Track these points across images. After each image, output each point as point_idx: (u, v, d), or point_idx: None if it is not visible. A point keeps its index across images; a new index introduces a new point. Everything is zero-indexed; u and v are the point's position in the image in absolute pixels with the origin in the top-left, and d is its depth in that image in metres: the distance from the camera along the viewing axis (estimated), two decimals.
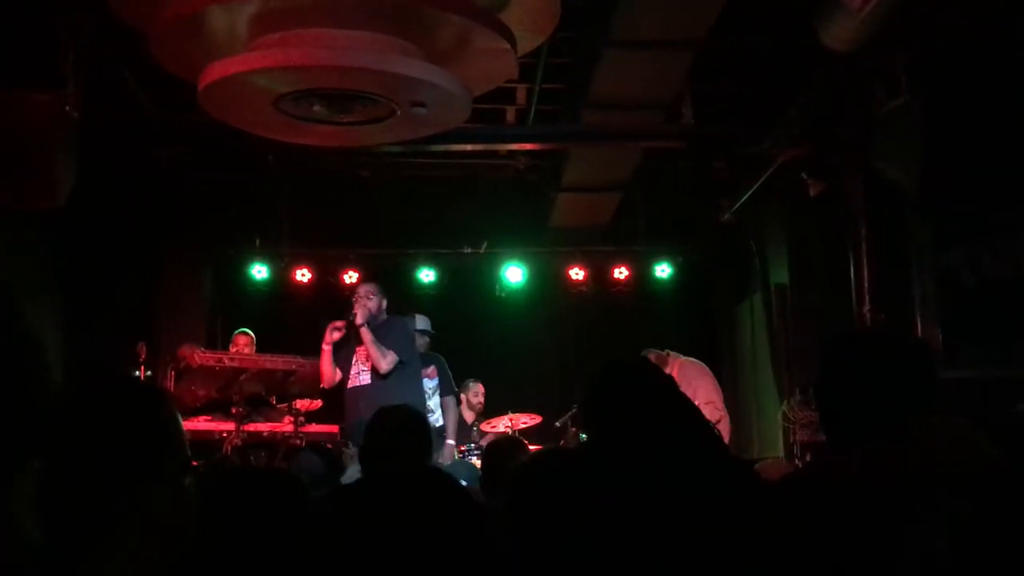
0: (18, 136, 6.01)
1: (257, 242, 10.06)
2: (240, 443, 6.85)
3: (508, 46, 5.62)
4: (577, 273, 10.47)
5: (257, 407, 7.54)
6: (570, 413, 8.39)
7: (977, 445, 2.08)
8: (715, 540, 2.22)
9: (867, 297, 7.53)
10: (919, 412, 2.22)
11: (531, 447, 6.98)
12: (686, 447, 2.50)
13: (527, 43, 6.10)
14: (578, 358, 9.33)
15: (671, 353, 7.89)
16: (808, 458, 7.55)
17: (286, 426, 7.27)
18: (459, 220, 10.26)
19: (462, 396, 8.15)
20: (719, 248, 10.53)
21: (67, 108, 6.14)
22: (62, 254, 8.48)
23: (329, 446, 7.02)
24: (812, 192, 8.07)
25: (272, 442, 7.21)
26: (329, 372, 6.63)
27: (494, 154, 9.75)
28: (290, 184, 9.71)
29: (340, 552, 1.99)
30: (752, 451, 9.49)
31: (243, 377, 7.15)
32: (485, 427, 8.41)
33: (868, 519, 1.91)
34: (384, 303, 6.81)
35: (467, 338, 7.74)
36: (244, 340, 8.12)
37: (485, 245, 10.27)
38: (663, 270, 10.57)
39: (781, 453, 8.46)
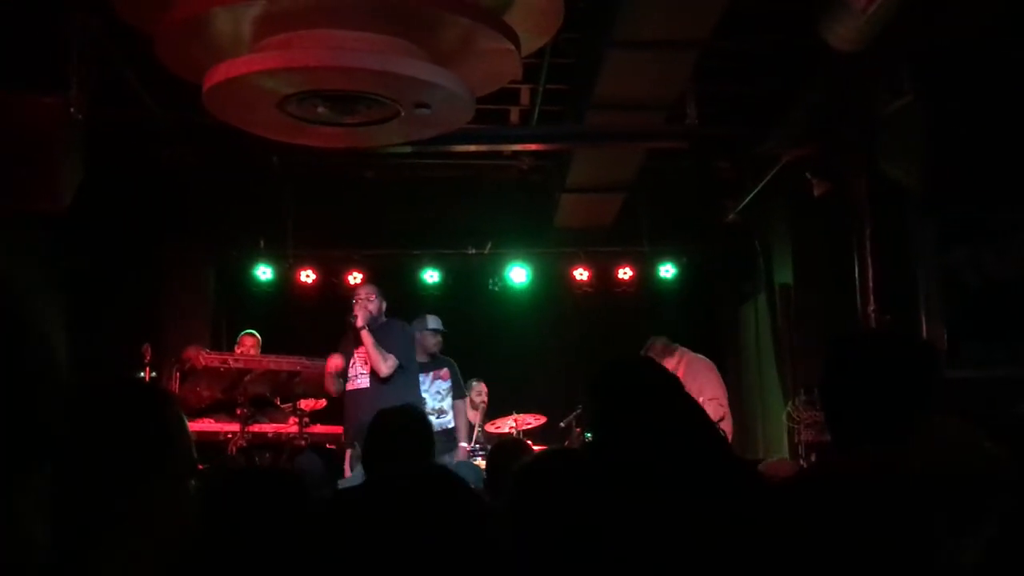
0: (22, 138, 6.01)
1: (261, 243, 10.07)
2: (245, 444, 6.87)
3: (512, 47, 5.62)
4: (581, 273, 10.47)
5: (262, 408, 7.55)
6: (575, 414, 8.40)
7: (981, 446, 2.08)
8: (719, 541, 2.22)
9: (871, 297, 7.52)
10: (924, 412, 2.22)
11: (536, 448, 7.00)
12: (690, 447, 2.50)
13: (531, 44, 6.10)
14: (582, 359, 9.33)
15: (680, 348, 7.89)
16: (813, 458, 7.54)
17: (291, 427, 7.28)
18: (463, 221, 10.27)
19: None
20: (723, 248, 10.53)
21: (71, 110, 6.16)
22: (66, 255, 8.48)
23: (332, 447, 7.04)
24: (816, 192, 8.06)
25: (277, 443, 7.22)
26: (333, 387, 6.65)
27: (498, 155, 9.76)
28: (294, 185, 9.72)
29: (345, 552, 1.99)
30: (757, 451, 9.48)
31: (248, 378, 7.16)
32: (489, 428, 8.42)
33: (873, 520, 1.91)
34: (384, 305, 6.80)
35: (471, 339, 7.74)
36: (250, 341, 8.14)
37: (489, 246, 10.28)
38: (667, 270, 10.57)
39: (786, 453, 8.46)
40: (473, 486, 3.42)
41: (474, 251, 10.32)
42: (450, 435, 7.20)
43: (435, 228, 10.26)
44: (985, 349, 6.31)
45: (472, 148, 8.89)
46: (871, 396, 2.28)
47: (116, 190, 8.45)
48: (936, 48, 6.34)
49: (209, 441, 6.80)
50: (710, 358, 8.07)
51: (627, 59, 6.85)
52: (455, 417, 7.35)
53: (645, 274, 10.58)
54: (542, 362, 10.41)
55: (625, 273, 10.53)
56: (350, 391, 6.68)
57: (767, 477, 3.09)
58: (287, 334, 8.85)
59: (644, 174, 9.20)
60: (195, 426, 6.85)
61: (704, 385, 7.34)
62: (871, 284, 7.55)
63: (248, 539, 2.03)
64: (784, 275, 9.35)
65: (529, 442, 7.95)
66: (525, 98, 8.54)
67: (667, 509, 2.30)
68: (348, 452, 6.54)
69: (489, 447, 7.14)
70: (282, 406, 7.79)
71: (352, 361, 6.69)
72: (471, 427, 8.04)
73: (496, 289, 10.29)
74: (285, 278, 10.15)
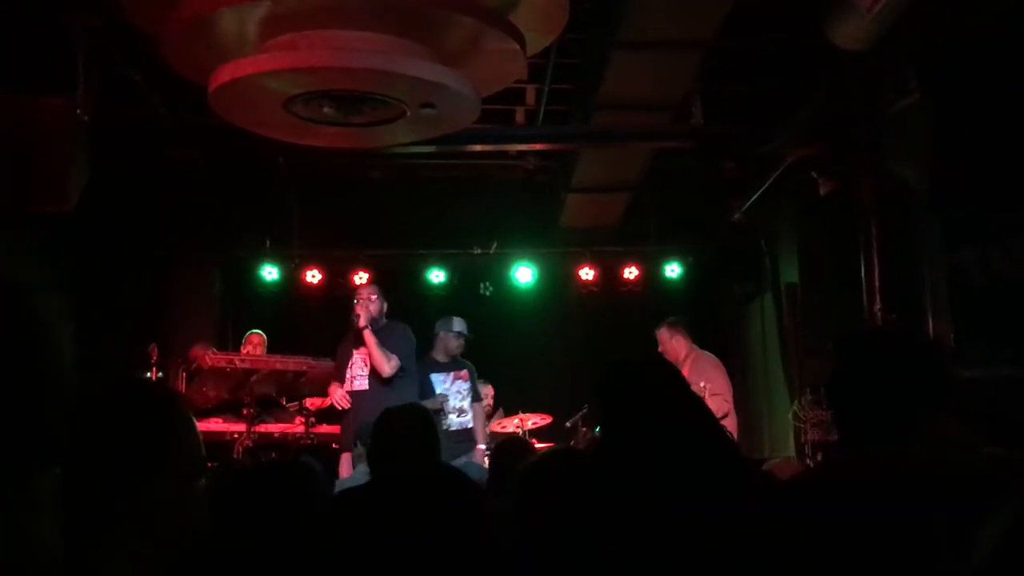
0: (29, 139, 6.03)
1: (267, 243, 10.08)
2: (251, 444, 6.88)
3: (517, 47, 5.62)
4: (587, 273, 10.47)
5: (268, 408, 7.56)
6: (580, 413, 8.40)
7: (984, 446, 2.08)
8: (724, 540, 2.22)
9: (877, 296, 7.51)
10: (930, 412, 2.22)
11: (542, 446, 7.01)
12: (695, 447, 2.50)
13: (536, 44, 6.10)
14: (588, 358, 9.33)
15: (691, 344, 7.88)
16: (819, 457, 7.54)
17: (297, 427, 7.29)
18: (469, 221, 10.27)
19: None
20: (729, 248, 10.51)
21: (78, 111, 6.17)
22: (72, 255, 8.49)
23: (337, 446, 7.04)
24: (822, 191, 8.05)
25: (283, 443, 7.23)
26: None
27: (504, 155, 9.76)
28: (300, 185, 9.73)
29: (355, 551, 1.99)
30: (763, 450, 9.47)
31: (254, 378, 7.17)
32: (495, 427, 8.42)
33: (877, 519, 1.91)
34: (385, 307, 6.79)
35: (476, 338, 7.74)
36: (257, 339, 8.15)
37: (495, 246, 10.28)
38: (673, 270, 10.57)
39: (792, 452, 8.45)
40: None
41: (479, 251, 10.32)
42: (469, 435, 7.23)
43: (440, 228, 10.26)
44: (991, 348, 6.30)
45: (478, 148, 8.89)
46: (877, 395, 2.28)
47: (122, 190, 8.46)
48: (942, 47, 6.33)
49: (215, 441, 6.80)
50: (716, 357, 8.06)
51: (632, 59, 6.85)
52: (473, 419, 7.36)
53: (651, 274, 10.58)
54: (547, 361, 10.42)
55: (631, 273, 10.53)
56: (349, 392, 6.66)
57: (772, 477, 3.09)
58: (293, 334, 8.86)
59: (649, 174, 9.19)
60: (201, 426, 6.78)
61: (709, 380, 7.34)
62: (877, 283, 7.54)
63: (259, 536, 2.03)
64: (790, 274, 9.34)
65: (535, 441, 7.97)
66: (531, 98, 8.54)
67: (672, 509, 2.30)
68: (344, 455, 6.53)
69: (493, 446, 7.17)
70: (288, 406, 7.80)
71: (351, 362, 6.68)
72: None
73: (487, 294, 10.24)
74: (291, 278, 10.16)
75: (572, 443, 8.11)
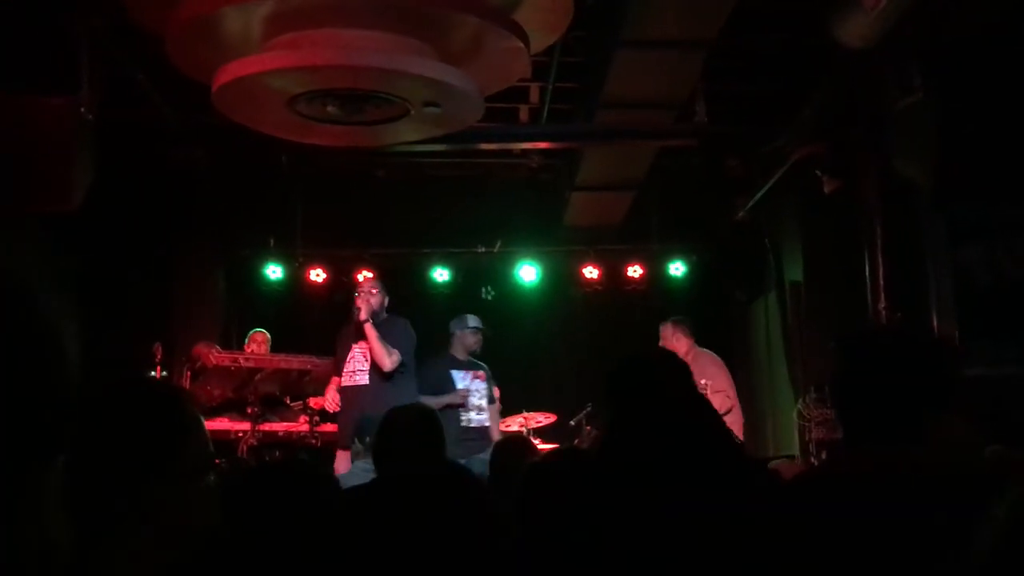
0: (33, 139, 6.03)
1: (271, 242, 10.09)
2: (256, 443, 6.88)
3: (521, 45, 5.62)
4: (591, 272, 10.46)
5: (272, 407, 7.57)
6: (585, 412, 8.40)
7: (988, 446, 2.08)
8: (728, 539, 2.22)
9: (882, 294, 7.50)
10: (935, 411, 2.21)
11: (546, 446, 7.01)
12: (701, 445, 2.50)
13: (540, 42, 6.10)
14: (592, 357, 9.32)
15: (691, 343, 7.88)
16: (824, 456, 7.53)
17: (301, 425, 7.29)
18: (473, 219, 10.27)
19: None
20: (733, 246, 10.51)
21: (82, 110, 6.18)
22: (76, 255, 8.50)
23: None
24: (827, 189, 8.04)
25: (287, 441, 7.24)
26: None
27: (508, 153, 9.76)
28: (304, 184, 9.73)
29: (367, 548, 1.99)
30: (768, 449, 9.47)
31: (258, 377, 7.18)
32: (500, 426, 8.41)
33: (881, 518, 1.91)
34: (386, 301, 6.76)
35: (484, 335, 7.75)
36: (261, 338, 8.17)
37: (499, 244, 10.28)
38: (677, 268, 10.56)
39: (797, 451, 8.44)
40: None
41: (484, 250, 10.31)
42: (485, 433, 7.25)
43: (445, 227, 10.26)
44: (996, 347, 6.29)
45: (482, 146, 8.89)
46: (882, 394, 2.27)
47: (126, 190, 8.47)
48: (946, 45, 6.32)
49: (220, 440, 6.80)
50: (720, 356, 8.06)
51: (636, 58, 6.85)
52: (490, 419, 7.41)
53: (655, 272, 10.57)
54: (551, 360, 10.42)
55: (635, 271, 10.52)
56: (348, 387, 6.62)
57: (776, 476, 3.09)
58: (297, 333, 8.88)
59: (654, 172, 9.19)
60: (206, 425, 6.84)
61: (710, 378, 7.34)
62: (882, 282, 7.53)
63: (269, 534, 2.03)
64: (794, 273, 9.33)
65: (539, 440, 7.97)
66: (535, 96, 8.54)
67: (677, 507, 2.30)
68: (340, 452, 6.48)
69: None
70: (292, 405, 7.80)
71: (350, 356, 6.64)
72: None
73: (489, 298, 10.22)
74: (295, 277, 10.17)
75: (576, 442, 8.11)
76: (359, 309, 6.53)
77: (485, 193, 10.26)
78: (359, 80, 5.56)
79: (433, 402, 6.99)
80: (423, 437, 3.68)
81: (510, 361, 9.27)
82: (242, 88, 5.57)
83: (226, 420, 7.25)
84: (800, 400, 8.34)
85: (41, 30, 6.08)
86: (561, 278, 10.58)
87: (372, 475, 4.09)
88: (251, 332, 8.45)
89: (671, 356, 3.04)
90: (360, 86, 5.62)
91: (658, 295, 10.53)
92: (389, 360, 6.43)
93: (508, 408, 8.58)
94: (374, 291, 6.67)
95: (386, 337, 6.51)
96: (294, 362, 7.44)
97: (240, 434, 7.00)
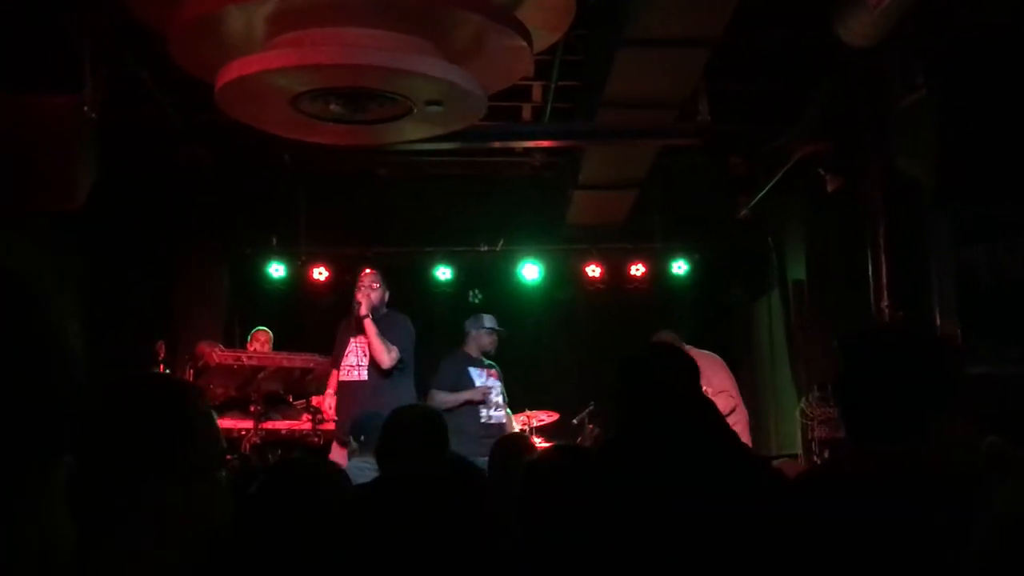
0: (36, 137, 6.04)
1: (274, 241, 10.10)
2: (258, 441, 6.89)
3: (524, 44, 5.62)
4: (594, 270, 10.46)
5: (275, 405, 7.58)
6: (587, 410, 8.40)
7: (990, 445, 2.07)
8: (731, 536, 2.22)
9: (885, 293, 7.50)
10: (938, 410, 2.21)
11: (548, 445, 7.02)
12: (704, 445, 2.50)
13: (543, 40, 6.10)
14: (594, 355, 9.33)
15: (686, 346, 7.89)
16: (826, 455, 7.53)
17: (304, 424, 7.30)
18: (475, 218, 10.27)
19: None
20: (736, 245, 10.51)
21: (85, 109, 6.18)
22: (80, 254, 8.53)
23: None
24: (829, 188, 8.04)
25: (290, 440, 7.24)
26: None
27: (510, 152, 9.76)
28: (306, 183, 9.74)
29: (368, 549, 2.00)
30: (770, 448, 9.47)
31: (261, 375, 7.18)
32: None
33: (883, 516, 1.91)
34: (386, 296, 6.72)
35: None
36: (263, 337, 8.17)
37: (502, 243, 10.28)
38: (680, 267, 10.56)
39: (799, 450, 8.44)
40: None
41: (486, 248, 10.31)
42: (504, 431, 7.27)
43: (447, 225, 10.26)
44: (999, 346, 6.29)
45: (484, 145, 8.89)
46: (885, 393, 2.27)
47: (129, 189, 8.48)
48: (949, 42, 6.31)
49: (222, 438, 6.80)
50: (722, 354, 8.05)
51: (639, 56, 6.84)
52: (505, 417, 7.46)
53: (657, 271, 10.57)
54: (554, 359, 10.41)
55: (637, 270, 10.51)
56: (345, 382, 6.58)
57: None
58: (300, 331, 8.88)
59: (656, 171, 9.18)
60: None
61: (712, 378, 7.33)
62: (884, 280, 7.52)
63: (279, 531, 2.03)
64: (797, 271, 9.33)
65: (541, 438, 7.98)
66: (537, 95, 8.54)
67: (681, 505, 2.30)
68: (336, 446, 6.46)
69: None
70: (295, 403, 7.81)
71: (348, 350, 6.60)
72: None
73: (476, 302, 10.19)
74: (298, 275, 10.17)
75: (579, 440, 8.12)
76: (359, 304, 6.49)
77: (488, 192, 10.26)
78: (362, 79, 5.56)
79: (452, 399, 7.03)
80: (426, 437, 3.68)
81: (512, 360, 9.27)
82: (245, 87, 5.57)
83: (229, 419, 7.25)
84: (803, 399, 8.34)
85: (44, 29, 6.08)
86: (563, 277, 10.58)
87: (367, 473, 4.10)
88: (254, 330, 8.46)
89: (678, 353, 3.03)
90: (363, 85, 5.62)
91: (660, 294, 10.53)
92: (388, 357, 6.39)
93: (510, 407, 8.59)
94: (375, 285, 6.63)
95: (385, 333, 6.47)
96: (297, 360, 7.44)
97: (243, 432, 7.01)
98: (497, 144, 9.03)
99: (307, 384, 7.66)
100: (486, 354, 7.47)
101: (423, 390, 6.98)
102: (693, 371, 2.82)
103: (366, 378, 6.49)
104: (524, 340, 10.11)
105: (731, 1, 6.16)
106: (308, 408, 7.43)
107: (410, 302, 8.30)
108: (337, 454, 6.37)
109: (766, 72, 8.08)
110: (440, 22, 5.51)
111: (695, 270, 10.60)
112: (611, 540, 2.23)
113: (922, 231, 7.21)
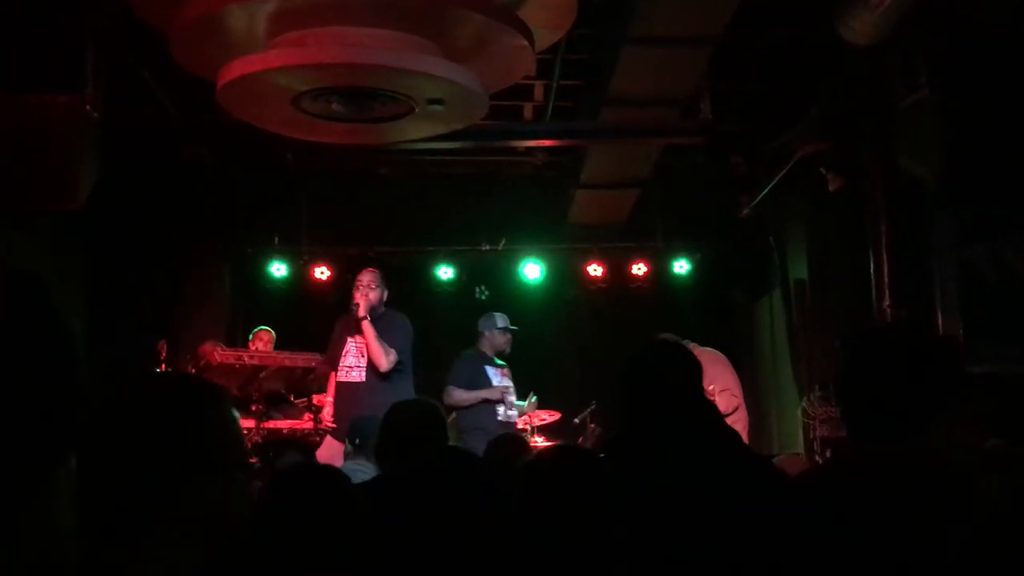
0: (38, 137, 6.05)
1: (276, 240, 10.10)
2: (260, 440, 6.88)
3: (526, 43, 5.61)
4: (595, 269, 10.46)
5: (277, 404, 7.58)
6: (589, 410, 8.40)
7: (991, 444, 2.07)
8: (730, 537, 2.22)
9: (887, 292, 7.49)
10: (940, 409, 2.21)
11: (538, 444, 7.03)
12: (704, 444, 2.50)
13: (545, 39, 6.09)
14: (596, 354, 9.33)
15: (689, 343, 7.88)
16: (828, 454, 7.53)
17: (306, 423, 7.29)
18: (477, 217, 10.27)
19: None
20: (738, 244, 10.50)
21: (87, 108, 6.18)
22: (83, 253, 8.54)
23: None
24: (831, 187, 8.03)
25: (292, 439, 7.24)
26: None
27: (512, 151, 9.76)
28: (309, 182, 9.74)
29: (373, 548, 1.99)
30: (772, 447, 9.47)
31: (263, 375, 7.17)
32: None
33: (885, 516, 1.91)
34: (385, 295, 6.70)
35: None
36: (265, 337, 8.17)
37: (503, 242, 10.28)
38: (681, 266, 10.55)
39: (801, 449, 8.44)
40: None
41: (488, 247, 10.31)
42: (512, 429, 7.32)
43: (449, 224, 10.26)
44: (1001, 345, 6.28)
45: (486, 144, 8.89)
46: (886, 392, 2.27)
47: (131, 188, 8.49)
48: (952, 41, 6.31)
49: None
50: (724, 354, 8.06)
51: (641, 55, 6.84)
52: (517, 415, 7.53)
53: (659, 270, 10.57)
54: (555, 358, 10.41)
55: (639, 269, 10.51)
56: (343, 383, 6.57)
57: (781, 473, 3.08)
58: (301, 330, 8.87)
59: (658, 170, 9.18)
60: None
61: (715, 377, 7.33)
62: (886, 279, 7.52)
63: (295, 531, 2.03)
64: (799, 270, 9.32)
65: (543, 437, 7.98)
66: (539, 94, 8.53)
67: (684, 506, 2.30)
68: (334, 440, 6.44)
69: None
70: (296, 402, 7.81)
71: (345, 350, 6.59)
72: None
73: (483, 298, 10.19)
74: (299, 275, 10.18)
75: (580, 440, 8.12)
76: (357, 305, 6.49)
77: (489, 191, 10.26)
78: (364, 78, 5.56)
79: (470, 396, 7.07)
80: (426, 431, 3.68)
81: (513, 358, 9.28)
82: (247, 86, 5.57)
83: None
84: (804, 398, 8.34)
85: (46, 28, 6.09)
86: (565, 276, 10.58)
87: (361, 475, 4.10)
88: (256, 330, 8.46)
89: (680, 352, 3.02)
90: (365, 84, 5.62)
91: (662, 293, 10.53)
92: (386, 360, 6.37)
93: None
94: (373, 286, 6.62)
95: (383, 333, 6.45)
96: (298, 359, 7.43)
97: (245, 432, 7.00)
98: (499, 143, 9.02)
99: (309, 383, 7.65)
100: (499, 354, 7.50)
101: (423, 390, 6.97)
102: (695, 370, 2.82)
103: (364, 380, 6.48)
104: (525, 339, 10.11)
105: (733, 0, 6.16)
106: (310, 407, 7.42)
107: (411, 301, 8.30)
108: (329, 449, 6.34)
109: (768, 71, 8.08)
110: (442, 21, 5.51)
111: (697, 269, 10.59)
112: (612, 540, 2.23)
113: (924, 230, 7.21)
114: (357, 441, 4.68)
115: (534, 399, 7.83)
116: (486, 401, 7.17)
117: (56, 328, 0.98)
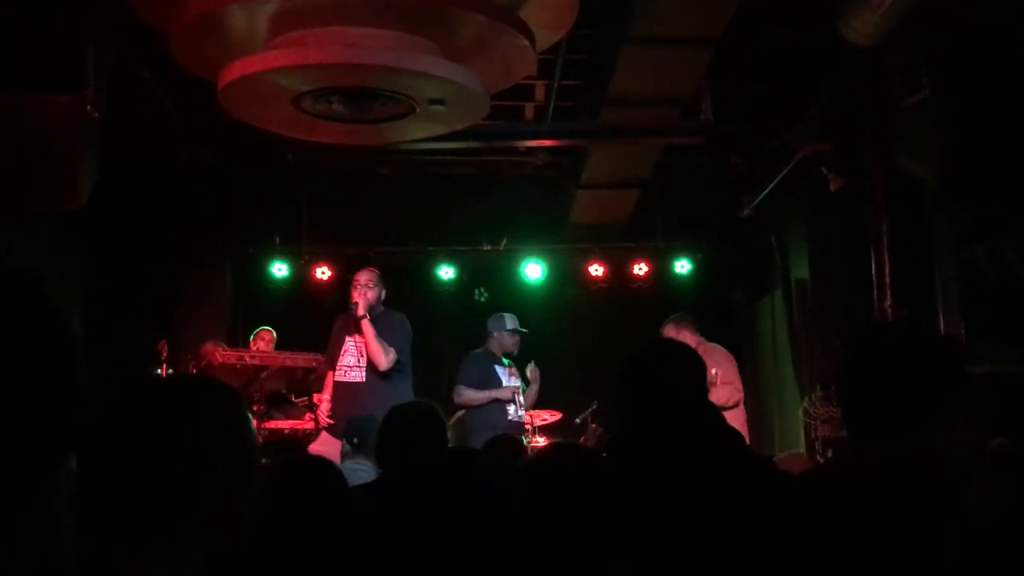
0: (39, 137, 6.05)
1: (277, 240, 10.10)
2: (261, 440, 6.88)
3: (527, 43, 5.61)
4: (596, 269, 10.46)
5: (278, 404, 7.58)
6: (590, 410, 8.40)
7: (992, 444, 2.07)
8: (731, 537, 2.22)
9: (888, 292, 7.50)
10: (941, 409, 2.21)
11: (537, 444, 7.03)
12: (705, 443, 2.50)
13: (546, 39, 6.09)
14: (597, 354, 9.32)
15: (699, 338, 7.88)
16: (830, 454, 7.53)
17: (307, 423, 7.30)
18: (478, 217, 10.27)
19: None
20: (739, 244, 10.50)
21: (88, 108, 6.18)
22: (83, 253, 8.54)
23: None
24: (832, 187, 8.03)
25: (293, 439, 7.24)
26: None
27: (513, 151, 9.76)
28: (309, 182, 9.74)
29: (379, 547, 2.00)
30: (773, 447, 9.46)
31: (264, 375, 7.18)
32: None
33: (885, 516, 1.91)
34: (383, 294, 6.70)
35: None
36: (267, 336, 8.18)
37: (504, 242, 10.28)
38: (682, 266, 10.55)
39: (802, 449, 8.44)
40: None
41: (489, 247, 10.31)
42: (521, 428, 7.33)
43: (450, 224, 10.26)
44: (1002, 345, 6.28)
45: (487, 144, 8.89)
46: (887, 392, 2.27)
47: (132, 188, 8.49)
48: (952, 41, 6.31)
49: None
50: (725, 349, 8.05)
51: (642, 55, 6.84)
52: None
53: (660, 270, 10.56)
54: (556, 358, 10.38)
55: (640, 269, 10.51)
56: (341, 383, 6.56)
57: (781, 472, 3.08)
58: (302, 331, 8.87)
59: (659, 170, 9.18)
60: None
61: (720, 367, 7.33)
62: (887, 279, 7.52)
63: (298, 529, 2.03)
64: (800, 270, 9.33)
65: (544, 437, 7.99)
66: (540, 94, 8.53)
67: (685, 506, 2.30)
68: (331, 437, 6.43)
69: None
70: (298, 402, 7.81)
71: (344, 350, 6.60)
72: None
73: (482, 300, 10.19)
74: (300, 275, 10.18)
75: (582, 440, 8.12)
76: (356, 305, 6.49)
77: (490, 191, 10.26)
78: (365, 78, 5.56)
79: (481, 395, 7.08)
80: (426, 433, 3.68)
81: (515, 359, 9.28)
82: (247, 86, 5.57)
83: None
84: (806, 398, 8.34)
85: (46, 28, 6.09)
86: (566, 276, 10.58)
87: (359, 475, 4.10)
88: (257, 330, 8.46)
89: (681, 350, 3.02)
90: (366, 84, 5.62)
91: (664, 293, 10.52)
92: (385, 360, 6.37)
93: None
94: (371, 285, 6.62)
95: (382, 333, 6.45)
96: (300, 360, 7.44)
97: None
98: (500, 143, 9.02)
99: (310, 383, 7.66)
100: (507, 355, 7.53)
101: (423, 390, 6.98)
102: (695, 370, 2.82)
103: (363, 379, 6.48)
104: (526, 339, 10.10)
105: (733, 0, 6.16)
106: (311, 407, 7.43)
107: (412, 301, 8.30)
108: (323, 444, 6.32)
109: (768, 71, 8.08)
110: (443, 21, 5.51)
111: (698, 269, 10.59)
112: (612, 539, 2.23)
113: (925, 230, 7.21)
114: (355, 440, 4.69)
115: (532, 365, 7.79)
116: (496, 400, 7.19)
117: (56, 328, 0.98)
